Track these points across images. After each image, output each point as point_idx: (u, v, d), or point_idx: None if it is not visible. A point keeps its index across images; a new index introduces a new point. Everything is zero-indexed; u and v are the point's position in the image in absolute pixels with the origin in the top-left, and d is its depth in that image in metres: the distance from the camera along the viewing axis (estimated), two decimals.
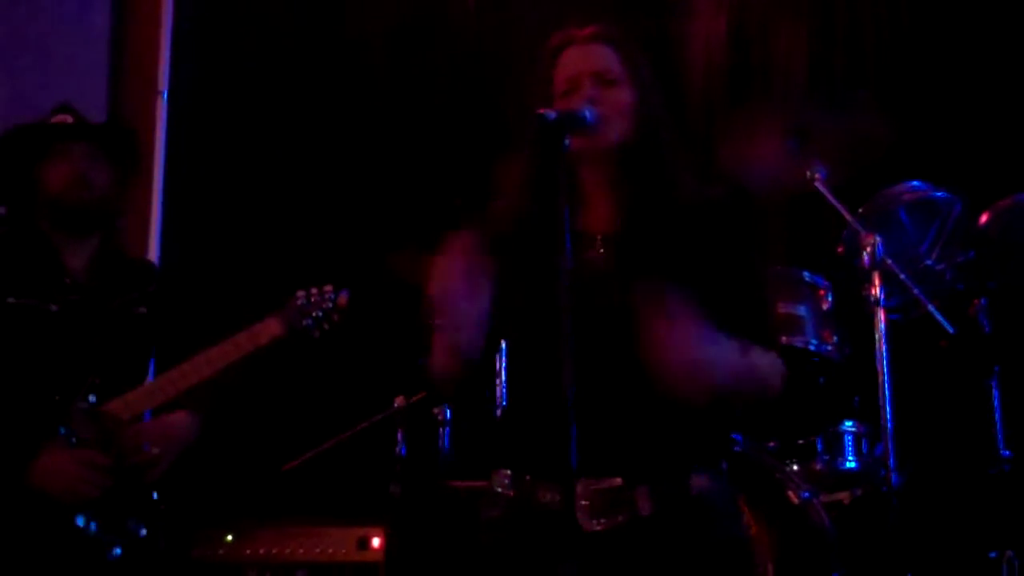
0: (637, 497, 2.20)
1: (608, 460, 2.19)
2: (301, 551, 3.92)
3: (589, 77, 2.33)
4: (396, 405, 4.14)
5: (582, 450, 2.11)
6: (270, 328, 3.39)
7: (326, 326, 3.48)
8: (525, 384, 2.34)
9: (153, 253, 4.93)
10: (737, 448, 3.60)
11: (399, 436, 4.14)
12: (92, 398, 3.23)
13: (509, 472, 2.31)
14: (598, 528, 2.20)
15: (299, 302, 3.45)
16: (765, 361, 2.26)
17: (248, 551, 3.92)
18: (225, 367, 3.33)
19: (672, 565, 2.20)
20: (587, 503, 2.20)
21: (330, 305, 3.47)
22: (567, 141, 2.18)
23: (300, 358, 4.88)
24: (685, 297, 2.12)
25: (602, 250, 2.32)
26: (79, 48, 4.97)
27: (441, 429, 4.08)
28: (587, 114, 2.24)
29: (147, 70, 5.08)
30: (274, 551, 3.92)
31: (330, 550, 3.92)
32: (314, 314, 3.45)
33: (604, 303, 2.23)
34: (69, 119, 3.41)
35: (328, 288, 3.50)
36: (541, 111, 2.20)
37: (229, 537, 3.93)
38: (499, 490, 2.31)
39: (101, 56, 5.00)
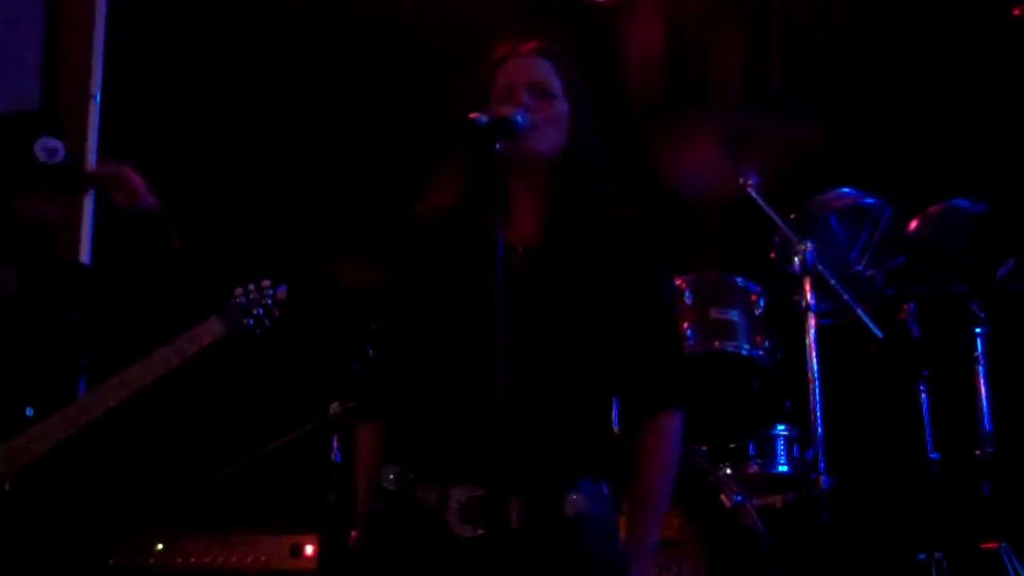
0: (509, 508, 2.18)
1: (484, 468, 2.15)
2: (233, 559, 3.88)
3: (525, 86, 2.34)
4: (331, 411, 4.12)
5: (464, 455, 2.13)
6: (212, 329, 3.35)
7: (267, 323, 3.45)
8: (434, 386, 2.32)
9: (85, 256, 4.86)
10: None
11: (334, 443, 4.12)
12: (30, 411, 3.19)
13: (397, 468, 2.31)
14: (467, 535, 2.21)
15: (239, 300, 3.41)
16: (672, 457, 2.38)
17: (179, 559, 3.87)
18: (166, 373, 3.29)
19: None
20: (459, 508, 2.20)
21: (270, 301, 3.44)
22: (498, 146, 2.20)
23: (234, 363, 4.87)
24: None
25: (523, 260, 2.32)
26: (11, 50, 4.89)
27: None
28: (519, 119, 2.25)
29: (80, 73, 5.01)
30: (206, 559, 3.87)
31: (263, 558, 3.88)
32: (255, 311, 3.42)
33: (520, 311, 2.23)
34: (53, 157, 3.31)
35: (266, 283, 3.47)
36: (473, 115, 2.21)
37: (160, 545, 3.88)
38: (385, 485, 2.31)
39: (33, 59, 4.93)
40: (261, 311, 3.43)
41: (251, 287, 3.45)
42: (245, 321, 3.41)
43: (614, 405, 2.52)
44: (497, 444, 2.09)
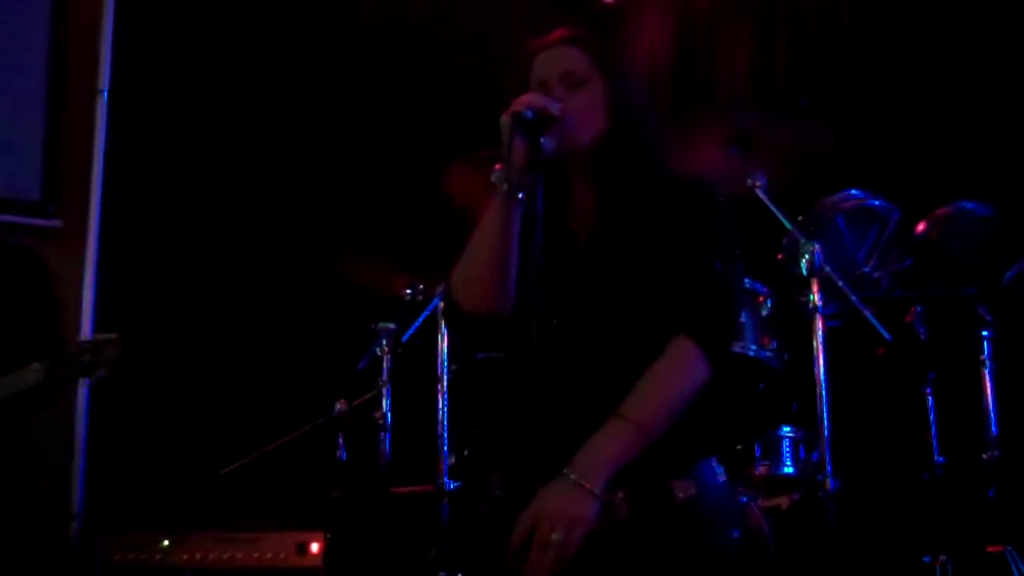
0: (614, 501, 2.16)
1: None
2: (239, 556, 3.88)
3: (557, 79, 2.34)
4: (337, 409, 4.12)
5: (565, 453, 2.11)
6: (30, 376, 3.36)
7: (92, 378, 3.42)
8: (510, 386, 2.32)
9: (91, 252, 4.86)
10: None
11: (340, 440, 4.12)
12: None
13: (500, 473, 2.32)
14: None
15: (72, 352, 3.39)
16: (673, 379, 2.20)
17: (185, 556, 3.87)
18: None
19: (647, 572, 2.17)
20: None
21: (100, 357, 3.39)
22: (544, 140, 2.21)
23: (241, 359, 4.88)
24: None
25: (584, 245, 2.32)
26: (17, 45, 4.89)
27: (382, 434, 4.06)
28: (555, 110, 2.25)
29: (87, 68, 5.01)
30: (212, 556, 3.88)
31: (269, 555, 3.89)
32: (84, 360, 3.38)
33: (584, 300, 2.24)
34: None
35: (102, 338, 3.43)
36: (517, 110, 2.21)
37: (166, 542, 3.89)
38: (492, 490, 2.32)
39: (40, 53, 4.93)
40: (88, 358, 3.37)
41: (85, 342, 3.42)
42: (71, 373, 3.39)
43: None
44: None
